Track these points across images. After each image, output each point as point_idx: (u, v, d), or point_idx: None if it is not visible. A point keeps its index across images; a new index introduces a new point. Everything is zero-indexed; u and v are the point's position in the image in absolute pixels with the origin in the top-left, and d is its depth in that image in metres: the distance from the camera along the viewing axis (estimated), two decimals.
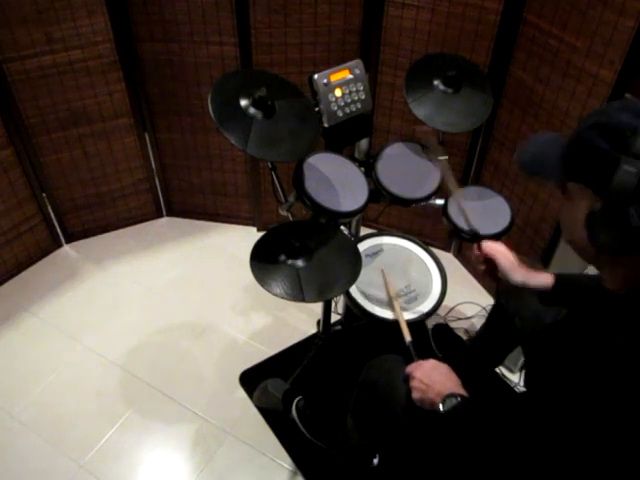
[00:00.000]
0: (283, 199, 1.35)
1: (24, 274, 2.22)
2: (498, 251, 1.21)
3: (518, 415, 0.90)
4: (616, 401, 0.71)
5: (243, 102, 1.16)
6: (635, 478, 0.72)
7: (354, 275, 1.22)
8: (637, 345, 0.70)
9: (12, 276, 2.20)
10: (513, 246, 1.24)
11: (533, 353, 1.28)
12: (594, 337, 0.77)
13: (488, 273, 1.23)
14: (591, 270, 1.18)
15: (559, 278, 1.17)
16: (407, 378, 1.07)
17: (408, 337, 1.23)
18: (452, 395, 0.96)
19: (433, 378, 1.02)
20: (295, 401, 1.61)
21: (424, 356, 1.13)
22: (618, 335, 0.73)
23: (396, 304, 1.33)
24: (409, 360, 1.13)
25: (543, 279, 1.17)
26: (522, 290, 1.35)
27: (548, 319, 1.28)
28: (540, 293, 1.18)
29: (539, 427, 0.83)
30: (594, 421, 0.73)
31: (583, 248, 0.79)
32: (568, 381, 0.77)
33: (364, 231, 1.59)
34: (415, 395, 1.03)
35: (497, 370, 1.83)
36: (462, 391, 0.98)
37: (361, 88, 1.34)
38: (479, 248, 1.23)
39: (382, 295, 1.38)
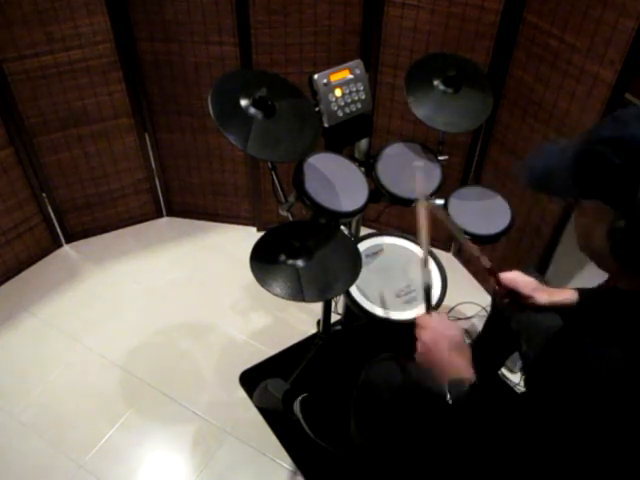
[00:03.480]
0: (283, 199, 1.35)
1: (24, 274, 2.22)
2: (517, 281, 1.20)
3: (519, 416, 0.89)
4: (627, 403, 0.70)
5: (243, 102, 1.17)
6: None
7: (354, 275, 1.22)
8: None
9: (12, 276, 2.19)
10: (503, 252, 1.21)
11: (535, 360, 1.27)
12: (605, 336, 0.76)
13: (513, 303, 1.23)
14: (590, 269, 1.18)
15: (583, 292, 1.18)
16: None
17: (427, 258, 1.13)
18: (459, 381, 0.91)
19: (442, 351, 0.96)
20: (298, 400, 1.61)
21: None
22: (629, 332, 0.72)
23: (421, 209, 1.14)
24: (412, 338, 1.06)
25: (568, 295, 1.18)
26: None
27: (544, 322, 1.27)
28: (563, 309, 1.18)
29: (539, 428, 0.82)
30: (606, 423, 0.72)
31: (600, 258, 0.78)
32: (578, 383, 0.76)
33: (364, 231, 1.59)
34: (419, 359, 0.99)
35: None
36: (471, 372, 0.93)
37: (361, 88, 1.34)
38: (498, 283, 1.22)
39: (382, 295, 1.38)
